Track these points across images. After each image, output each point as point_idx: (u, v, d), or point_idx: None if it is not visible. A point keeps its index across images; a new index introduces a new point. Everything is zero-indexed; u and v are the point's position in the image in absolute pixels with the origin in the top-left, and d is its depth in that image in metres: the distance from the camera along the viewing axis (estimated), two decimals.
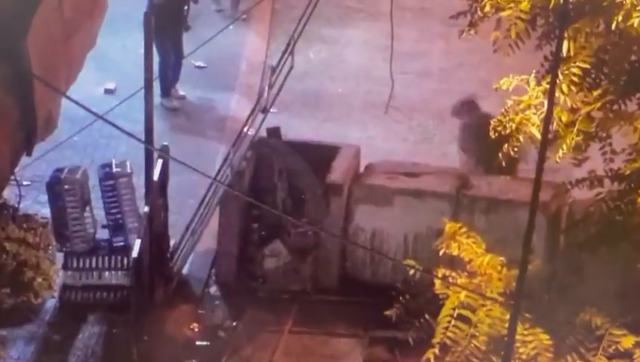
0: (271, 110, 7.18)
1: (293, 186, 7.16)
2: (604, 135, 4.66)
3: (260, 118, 7.08)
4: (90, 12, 6.77)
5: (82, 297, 6.73)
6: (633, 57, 4.61)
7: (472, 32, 4.96)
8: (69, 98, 4.63)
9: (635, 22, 4.38)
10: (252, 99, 8.29)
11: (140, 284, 6.45)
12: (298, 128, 8.61)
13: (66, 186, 6.67)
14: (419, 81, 9.47)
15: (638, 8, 4.38)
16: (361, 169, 7.36)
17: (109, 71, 9.11)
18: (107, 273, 6.77)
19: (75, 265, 6.75)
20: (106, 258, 6.78)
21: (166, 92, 8.80)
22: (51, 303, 6.78)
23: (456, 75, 9.59)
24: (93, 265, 6.76)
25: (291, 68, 7.02)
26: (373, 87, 9.37)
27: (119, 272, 6.76)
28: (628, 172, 4.69)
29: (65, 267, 6.79)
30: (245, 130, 7.11)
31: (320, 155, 7.25)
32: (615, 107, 4.63)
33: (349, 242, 7.02)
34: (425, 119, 9.04)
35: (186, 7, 8.71)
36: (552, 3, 4.52)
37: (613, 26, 4.46)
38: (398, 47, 9.05)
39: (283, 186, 7.14)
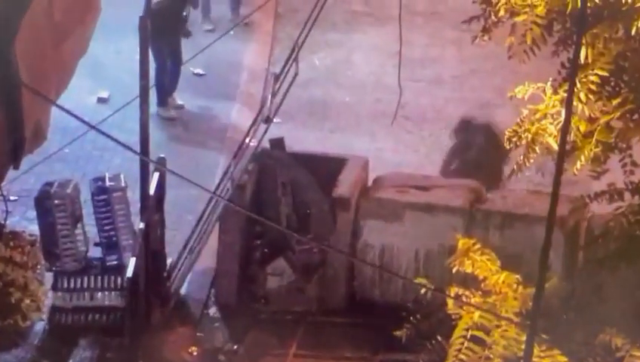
0: (274, 120, 7.28)
1: (298, 201, 7.24)
2: (624, 146, 4.73)
3: (263, 128, 7.18)
4: (82, 16, 6.86)
5: (73, 320, 6.79)
6: None
7: (486, 37, 5.05)
8: (59, 107, 4.71)
9: None
10: (254, 109, 8.39)
11: (135, 306, 6.51)
12: (303, 139, 8.70)
13: (56, 201, 6.74)
14: (430, 89, 9.58)
15: None
16: (370, 182, 7.44)
17: (102, 78, 9.22)
18: (100, 294, 6.84)
19: (65, 285, 6.81)
20: (99, 278, 6.84)
21: (163, 101, 8.90)
22: (40, 326, 6.84)
23: (470, 83, 9.69)
24: (85, 285, 6.81)
25: (296, 75, 7.12)
26: (382, 95, 9.47)
27: (112, 293, 6.83)
28: None
29: (54, 287, 6.85)
30: (247, 140, 7.20)
31: (326, 168, 7.33)
32: (635, 116, 4.70)
33: (356, 259, 7.10)
34: (437, 129, 9.12)
35: (185, 13, 8.82)
36: (570, 7, 4.58)
37: (633, 32, 4.52)
38: (409, 53, 9.15)
39: (287, 201, 7.23)
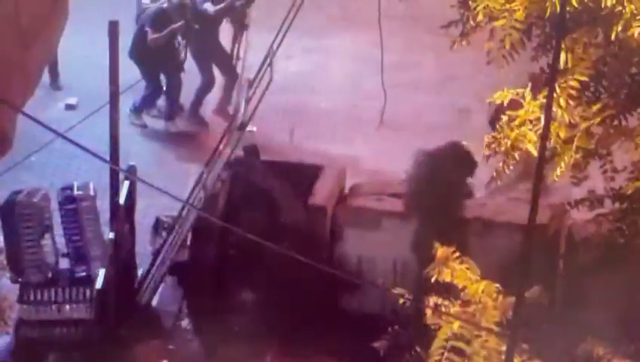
0: (248, 127, 7.31)
1: (273, 209, 7.26)
2: (604, 152, 4.80)
3: (236, 136, 7.21)
4: (49, 20, 6.84)
5: (40, 333, 6.77)
6: (634, 69, 4.77)
7: (464, 42, 5.11)
8: (25, 114, 4.68)
9: (636, 32, 4.52)
10: (227, 115, 8.43)
11: (105, 318, 6.52)
12: (278, 146, 8.74)
13: (22, 210, 6.71)
14: (408, 95, 9.65)
15: (638, 18, 4.53)
16: (346, 190, 7.49)
17: (70, 84, 9.22)
18: (68, 306, 6.81)
19: (31, 297, 6.78)
20: (67, 290, 6.81)
21: (169, 116, 8.94)
22: (5, 340, 6.83)
23: (448, 88, 9.77)
24: (52, 297, 6.78)
25: (270, 81, 7.16)
26: (359, 100, 9.53)
27: (81, 305, 6.81)
28: (630, 191, 4.85)
29: (20, 300, 6.82)
30: (220, 148, 7.23)
31: (302, 176, 7.36)
32: (615, 122, 4.78)
33: (333, 270, 7.12)
34: (415, 136, 9.19)
35: (177, 43, 8.86)
36: (549, 12, 4.65)
37: (613, 37, 4.60)
38: (385, 58, 9.22)
39: (261, 209, 7.25)
